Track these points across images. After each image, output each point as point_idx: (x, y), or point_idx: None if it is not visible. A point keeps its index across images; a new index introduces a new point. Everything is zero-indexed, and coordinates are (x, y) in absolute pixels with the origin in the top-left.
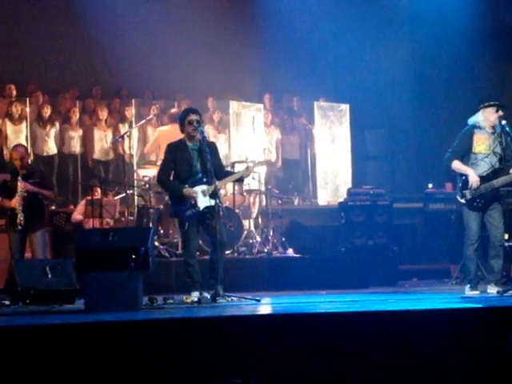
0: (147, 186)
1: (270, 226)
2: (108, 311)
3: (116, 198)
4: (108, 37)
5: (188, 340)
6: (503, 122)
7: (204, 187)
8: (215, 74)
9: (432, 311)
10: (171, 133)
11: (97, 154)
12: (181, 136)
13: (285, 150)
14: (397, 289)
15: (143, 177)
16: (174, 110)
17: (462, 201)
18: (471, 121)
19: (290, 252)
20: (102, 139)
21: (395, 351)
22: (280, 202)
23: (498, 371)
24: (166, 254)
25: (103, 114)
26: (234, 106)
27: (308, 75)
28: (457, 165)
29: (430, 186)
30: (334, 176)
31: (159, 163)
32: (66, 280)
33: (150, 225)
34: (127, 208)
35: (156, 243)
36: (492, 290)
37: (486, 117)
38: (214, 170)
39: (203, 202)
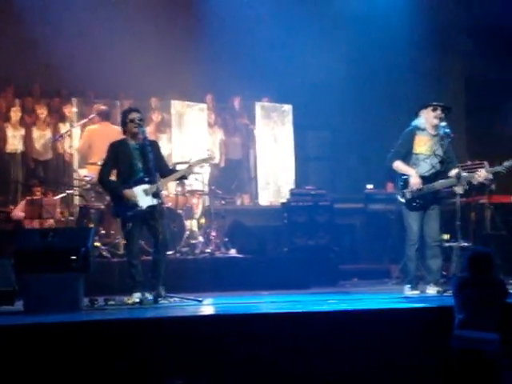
0: (88, 185)
1: (212, 226)
2: (48, 313)
3: (56, 197)
4: (48, 35)
5: (130, 341)
6: (443, 124)
7: (146, 186)
8: (158, 74)
9: (372, 311)
10: (100, 131)
11: (36, 154)
12: (110, 133)
13: (228, 151)
14: (337, 289)
15: (84, 176)
16: (102, 107)
17: (402, 200)
18: (414, 122)
19: (233, 252)
20: (42, 138)
21: (336, 351)
22: (223, 202)
23: (438, 371)
24: (108, 255)
25: (43, 112)
26: (176, 105)
27: (251, 76)
28: (399, 165)
29: (370, 186)
30: (276, 176)
31: (100, 163)
32: (5, 281)
33: (91, 225)
34: (68, 208)
35: (97, 244)
36: (431, 290)
37: (427, 118)
38: (157, 168)
39: (145, 201)
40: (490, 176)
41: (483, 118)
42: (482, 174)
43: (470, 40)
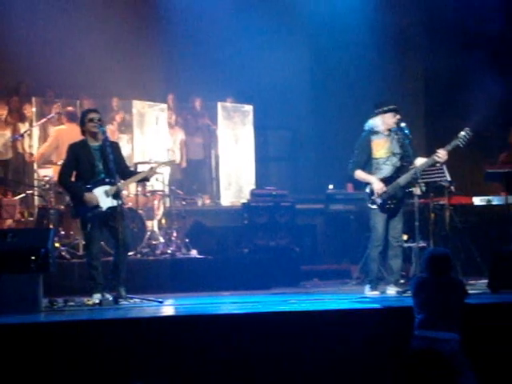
0: (48, 186)
1: (173, 227)
2: (7, 313)
3: (16, 198)
4: (6, 34)
5: (89, 343)
6: (402, 125)
7: (107, 187)
8: (119, 74)
9: (333, 312)
10: (68, 132)
11: None
12: (78, 134)
13: (189, 151)
14: (298, 289)
15: (43, 176)
16: (70, 109)
17: (374, 207)
18: (368, 126)
19: (194, 253)
20: (1, 138)
21: (297, 351)
22: (184, 202)
23: (398, 371)
24: (67, 256)
25: (2, 112)
26: (137, 105)
27: (213, 76)
28: (360, 174)
29: (331, 186)
30: (237, 177)
31: (60, 163)
32: None
33: (51, 226)
34: (27, 208)
35: (57, 244)
36: (391, 290)
37: (385, 121)
38: (118, 169)
39: (106, 202)
40: (446, 156)
41: (443, 118)
42: (441, 153)
43: (427, 38)
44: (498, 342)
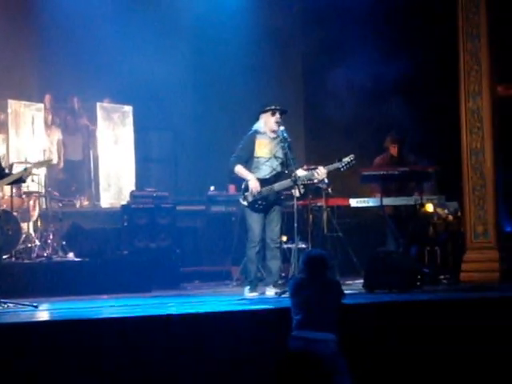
0: None
1: (49, 229)
2: None
3: None
4: None
5: None
6: (281, 128)
7: None
8: None
9: (213, 314)
10: None
11: None
12: None
13: (67, 152)
14: (179, 291)
15: None
16: None
17: (245, 203)
18: (255, 126)
19: (71, 256)
20: None
21: (176, 354)
22: (61, 204)
23: (275, 372)
24: None
25: None
26: (12, 105)
27: (91, 76)
28: (239, 170)
29: (212, 188)
30: (117, 178)
31: None
32: None
33: None
34: None
35: None
36: (270, 291)
37: (266, 122)
38: None
39: None
40: (325, 175)
41: (323, 118)
42: (320, 172)
43: (304, 36)
44: (374, 342)
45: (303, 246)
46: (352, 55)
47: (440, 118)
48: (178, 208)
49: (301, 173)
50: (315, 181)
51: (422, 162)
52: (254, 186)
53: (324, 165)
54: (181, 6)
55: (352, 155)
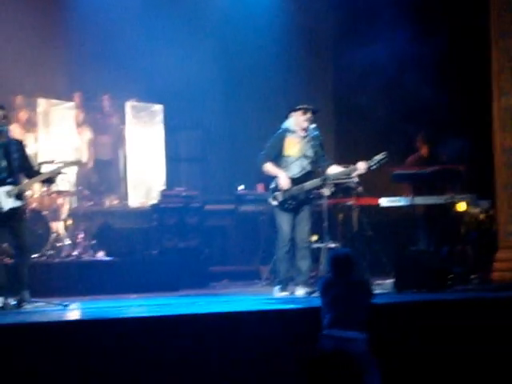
0: None
1: (79, 228)
2: None
3: None
4: None
5: None
6: (312, 126)
7: (8, 188)
8: (23, 72)
9: (242, 313)
10: None
11: None
12: None
13: (97, 151)
14: (208, 291)
15: None
16: None
17: (274, 203)
18: (284, 125)
19: (101, 255)
20: None
21: (205, 353)
22: (91, 203)
23: (306, 371)
24: None
25: None
26: (42, 104)
27: (121, 75)
28: (269, 167)
29: (241, 187)
30: (146, 177)
31: None
32: None
33: None
34: None
35: None
36: (300, 291)
37: (297, 121)
38: (22, 169)
39: (7, 203)
40: (364, 170)
41: (352, 119)
42: (361, 166)
43: (337, 37)
44: (404, 342)
45: (332, 245)
46: (384, 51)
47: (471, 116)
48: (207, 207)
49: (336, 169)
50: (353, 175)
51: (453, 162)
52: (284, 182)
53: (354, 162)
54: (209, 4)
55: (384, 152)
